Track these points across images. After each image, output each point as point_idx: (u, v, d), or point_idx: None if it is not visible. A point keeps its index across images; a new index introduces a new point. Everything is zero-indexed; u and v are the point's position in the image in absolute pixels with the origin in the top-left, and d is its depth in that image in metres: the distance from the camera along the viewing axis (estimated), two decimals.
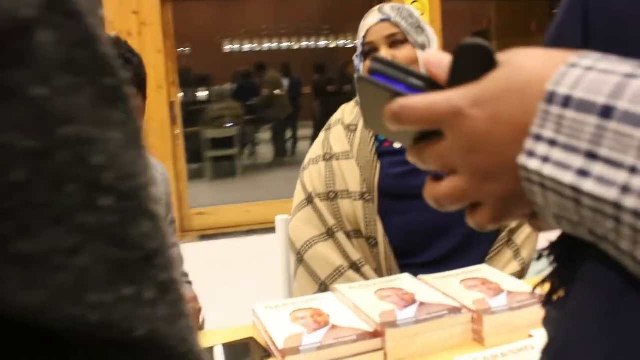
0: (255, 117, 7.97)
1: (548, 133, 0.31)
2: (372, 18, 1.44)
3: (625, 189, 0.28)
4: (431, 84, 0.37)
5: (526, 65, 0.33)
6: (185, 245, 5.24)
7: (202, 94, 9.17)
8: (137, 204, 0.27)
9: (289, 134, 8.26)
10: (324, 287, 1.42)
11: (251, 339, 1.10)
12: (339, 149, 1.52)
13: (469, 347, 1.02)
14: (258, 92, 8.07)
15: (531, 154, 0.32)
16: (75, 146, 0.24)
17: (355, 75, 0.44)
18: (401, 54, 1.38)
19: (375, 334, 1.00)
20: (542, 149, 0.31)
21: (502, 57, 0.35)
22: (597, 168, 0.29)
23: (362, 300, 1.11)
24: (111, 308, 0.26)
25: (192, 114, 7.90)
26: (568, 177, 0.30)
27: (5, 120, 0.22)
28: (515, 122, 0.32)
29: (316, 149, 1.58)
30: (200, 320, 1.21)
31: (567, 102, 0.30)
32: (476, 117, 0.34)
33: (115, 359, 0.28)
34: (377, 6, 1.47)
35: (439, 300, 1.08)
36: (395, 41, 1.39)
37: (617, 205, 0.28)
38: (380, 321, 1.01)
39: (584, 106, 0.30)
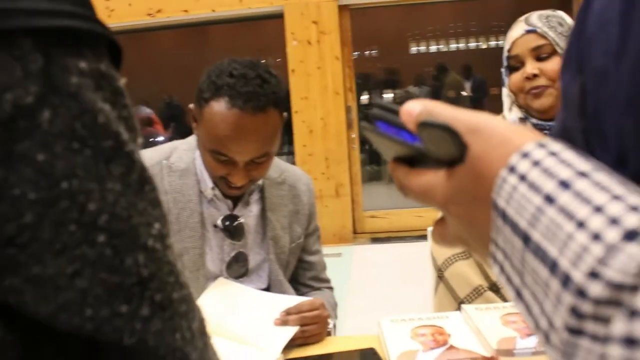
0: None
1: (499, 242, 0.34)
2: (517, 29, 1.38)
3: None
4: None
5: (482, 165, 0.35)
6: (356, 248, 5.39)
7: (388, 96, 9.32)
8: (131, 240, 0.34)
9: None
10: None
11: (371, 349, 1.14)
12: None
13: None
14: (439, 95, 8.00)
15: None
16: (75, 196, 0.32)
17: (361, 123, 0.47)
18: (548, 67, 1.32)
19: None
20: (498, 255, 0.34)
21: (468, 137, 0.36)
22: (526, 293, 0.32)
23: (485, 323, 1.09)
24: (105, 321, 0.33)
25: None
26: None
27: (18, 178, 0.31)
28: (484, 221, 0.35)
29: None
30: (330, 326, 1.28)
31: (504, 217, 0.33)
32: (454, 213, 0.38)
33: (109, 357, 0.35)
34: (524, 16, 1.41)
35: None
36: (542, 54, 1.33)
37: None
38: (497, 347, 0.99)
39: (513, 227, 0.32)
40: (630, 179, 0.31)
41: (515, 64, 1.37)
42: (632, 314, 0.26)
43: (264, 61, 1.24)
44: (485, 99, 8.17)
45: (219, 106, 1.15)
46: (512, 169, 0.32)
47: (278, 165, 1.42)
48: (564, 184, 0.30)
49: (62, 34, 0.33)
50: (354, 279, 2.82)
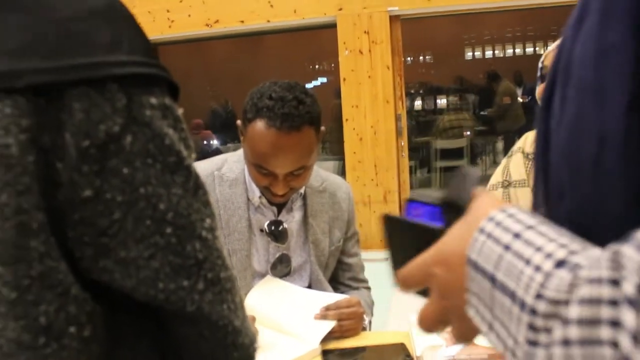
0: (487, 128, 7.86)
1: (473, 288, 0.43)
2: (555, 43, 1.48)
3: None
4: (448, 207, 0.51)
5: (453, 235, 0.46)
6: None
7: (441, 101, 9.29)
8: (190, 231, 0.48)
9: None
10: None
11: (401, 344, 1.26)
12: (517, 177, 1.58)
13: None
14: (491, 102, 7.96)
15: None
16: (149, 198, 0.46)
17: (382, 215, 0.58)
18: None
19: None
20: (473, 299, 0.43)
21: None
22: (495, 323, 0.40)
23: None
24: (172, 293, 0.47)
25: (425, 124, 8.12)
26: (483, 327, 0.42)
27: (109, 186, 0.44)
28: (459, 283, 0.45)
29: (497, 176, 1.66)
30: (366, 322, 1.40)
31: (476, 266, 0.42)
32: (439, 274, 0.47)
33: (176, 323, 0.49)
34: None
35: None
36: None
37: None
38: None
39: (483, 273, 0.41)
40: (566, 212, 0.42)
41: (544, 75, 1.46)
42: (565, 321, 0.34)
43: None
44: (536, 107, 8.08)
45: (259, 126, 1.30)
46: (481, 230, 0.43)
47: (319, 175, 1.55)
48: (517, 235, 0.40)
49: (138, 78, 0.47)
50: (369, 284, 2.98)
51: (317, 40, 7.46)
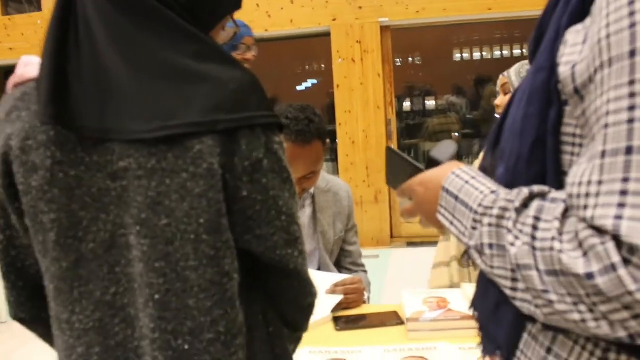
0: (473, 131, 8.08)
1: (443, 203, 0.75)
2: (506, 71, 1.86)
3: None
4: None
5: (433, 172, 0.79)
6: (393, 251, 5.58)
7: (430, 102, 9.44)
8: (293, 218, 0.80)
9: None
10: None
11: (394, 312, 1.59)
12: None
13: None
14: (478, 105, 8.20)
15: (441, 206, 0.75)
16: (275, 198, 0.77)
17: (387, 147, 0.92)
18: (505, 99, 1.86)
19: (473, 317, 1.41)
20: (442, 210, 0.75)
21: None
22: (455, 222, 0.72)
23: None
24: (283, 257, 0.79)
25: (413, 127, 8.39)
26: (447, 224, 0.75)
27: (255, 190, 0.75)
28: (432, 198, 0.78)
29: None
30: (365, 297, 1.73)
31: (447, 191, 0.74)
32: (418, 191, 0.81)
33: (279, 277, 0.82)
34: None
35: None
36: (505, 91, 1.88)
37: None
38: None
39: (451, 194, 0.73)
40: (500, 175, 0.73)
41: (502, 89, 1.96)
42: (490, 216, 0.65)
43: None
44: None
45: None
46: (452, 173, 0.74)
47: (325, 178, 1.88)
48: (473, 178, 0.71)
49: (271, 125, 0.76)
50: (390, 279, 3.21)
51: (309, 45, 7.64)
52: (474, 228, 0.67)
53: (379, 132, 5.27)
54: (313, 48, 8.43)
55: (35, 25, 5.61)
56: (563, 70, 0.61)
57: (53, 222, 0.75)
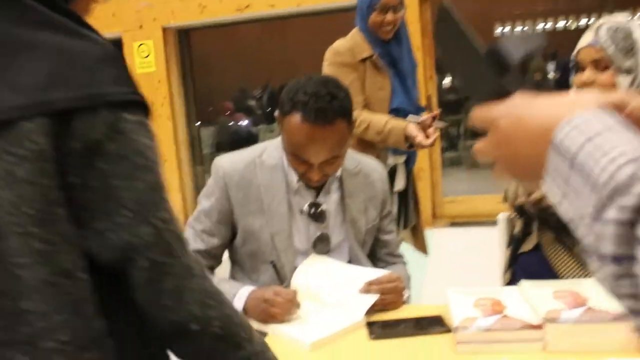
0: None
1: (552, 166, 0.49)
2: (586, 38, 1.52)
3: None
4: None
5: (539, 108, 0.53)
6: (435, 231, 5.43)
7: None
8: (146, 218, 0.69)
9: None
10: None
11: (439, 316, 1.33)
12: None
13: (628, 354, 1.10)
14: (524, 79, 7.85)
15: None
16: (116, 190, 0.67)
17: (442, 4, 0.60)
18: (600, 79, 1.46)
19: (538, 327, 1.14)
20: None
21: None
22: (570, 196, 0.47)
23: (537, 297, 1.25)
24: (126, 262, 0.67)
25: (454, 104, 8.08)
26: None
27: (91, 176, 0.67)
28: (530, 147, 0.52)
29: None
30: (405, 296, 1.48)
31: (558, 149, 0.49)
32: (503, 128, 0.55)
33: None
34: (598, 23, 1.52)
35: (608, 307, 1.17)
36: (599, 65, 1.47)
37: None
38: (545, 316, 1.15)
39: (564, 155, 0.48)
40: None
41: (577, 68, 1.52)
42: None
43: None
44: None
45: (295, 119, 1.39)
46: (569, 122, 0.48)
47: (354, 158, 1.62)
48: (598, 134, 0.46)
49: (121, 102, 0.67)
50: (432, 260, 3.01)
51: (347, 23, 7.43)
52: (596, 219, 0.43)
53: None
54: (350, 22, 8.18)
55: None
56: None
57: None
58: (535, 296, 1.27)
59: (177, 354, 0.75)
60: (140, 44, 5.64)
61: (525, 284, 1.35)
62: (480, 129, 0.58)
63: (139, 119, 0.69)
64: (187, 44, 5.98)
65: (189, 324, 0.69)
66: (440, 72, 6.00)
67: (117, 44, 5.77)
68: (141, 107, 0.70)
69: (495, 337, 1.17)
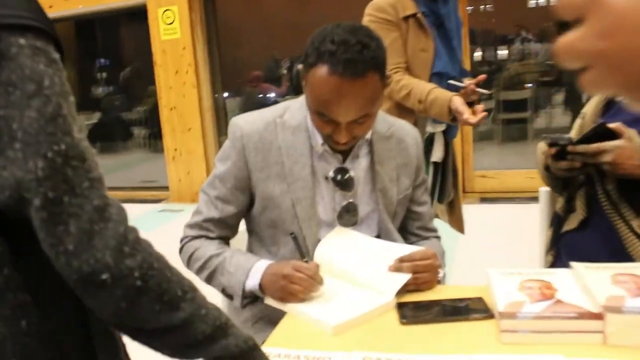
0: (552, 79, 7.47)
1: None
2: None
3: None
4: None
5: None
6: (466, 207, 5.32)
7: (503, 52, 8.92)
8: (35, 150, 0.61)
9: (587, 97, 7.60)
10: None
11: (479, 298, 1.18)
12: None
13: None
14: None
15: None
16: (6, 120, 0.60)
17: None
18: None
19: (597, 316, 0.98)
20: None
21: None
22: None
23: (595, 281, 1.09)
24: (20, 202, 0.60)
25: (488, 75, 7.81)
26: None
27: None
28: None
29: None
30: (440, 275, 1.32)
31: None
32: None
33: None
34: None
35: None
36: None
37: None
38: (605, 304, 0.99)
39: None
40: None
41: None
42: None
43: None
44: None
45: (321, 72, 1.21)
46: None
47: (386, 120, 1.46)
48: None
49: (9, 25, 0.60)
50: (463, 236, 2.86)
51: None
52: None
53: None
54: None
55: None
56: None
57: None
58: (591, 281, 1.10)
59: (95, 310, 0.65)
60: (165, 10, 5.51)
61: (577, 266, 1.19)
62: (570, 17, 0.40)
63: (33, 43, 0.62)
64: (213, 11, 5.83)
65: (98, 273, 0.60)
66: (474, 44, 5.76)
67: (142, 9, 5.65)
68: (43, 34, 0.64)
69: (546, 325, 1.01)
